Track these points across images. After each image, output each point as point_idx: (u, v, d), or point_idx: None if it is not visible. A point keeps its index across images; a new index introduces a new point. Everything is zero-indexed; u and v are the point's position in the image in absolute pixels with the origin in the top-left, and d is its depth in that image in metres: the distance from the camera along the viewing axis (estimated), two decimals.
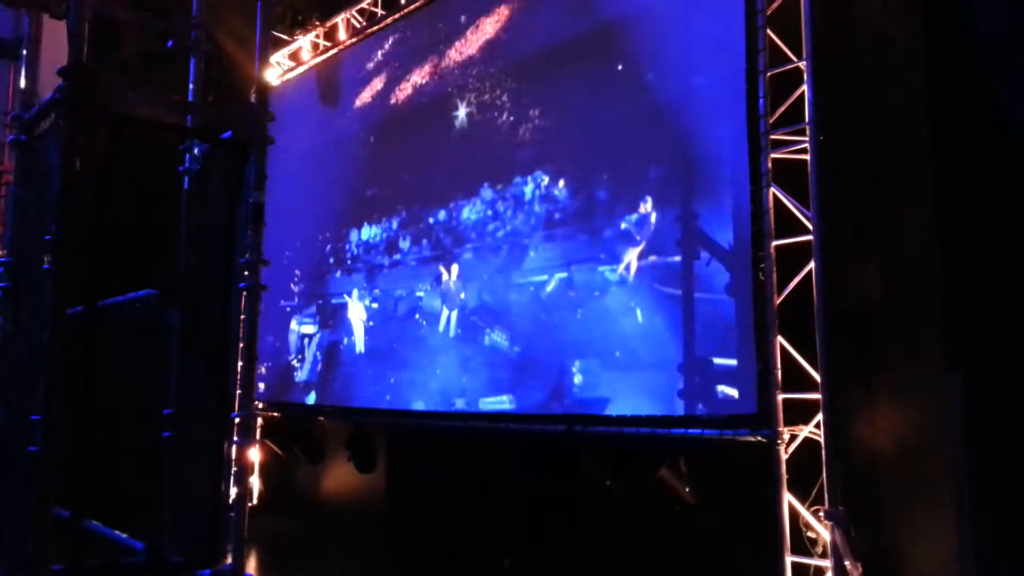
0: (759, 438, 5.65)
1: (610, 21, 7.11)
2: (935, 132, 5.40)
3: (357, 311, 9.59)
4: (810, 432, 5.58)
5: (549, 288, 7.36)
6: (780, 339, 5.68)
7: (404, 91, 9.27)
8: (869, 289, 5.71)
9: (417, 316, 8.73)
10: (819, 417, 5.50)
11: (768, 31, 5.96)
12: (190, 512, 5.54)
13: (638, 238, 6.69)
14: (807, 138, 5.71)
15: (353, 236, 9.82)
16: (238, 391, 5.55)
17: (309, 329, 10.24)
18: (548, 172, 7.53)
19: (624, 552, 6.66)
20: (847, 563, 5.24)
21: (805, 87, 5.77)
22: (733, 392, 5.91)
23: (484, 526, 7.79)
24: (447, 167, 8.65)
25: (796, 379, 5.62)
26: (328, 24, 10.50)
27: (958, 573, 5.07)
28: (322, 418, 9.76)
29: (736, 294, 5.95)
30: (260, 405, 10.47)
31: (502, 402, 7.59)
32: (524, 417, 7.26)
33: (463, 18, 8.67)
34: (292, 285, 10.71)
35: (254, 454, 10.11)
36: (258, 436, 10.44)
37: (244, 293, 5.60)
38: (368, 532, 9.17)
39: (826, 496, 5.39)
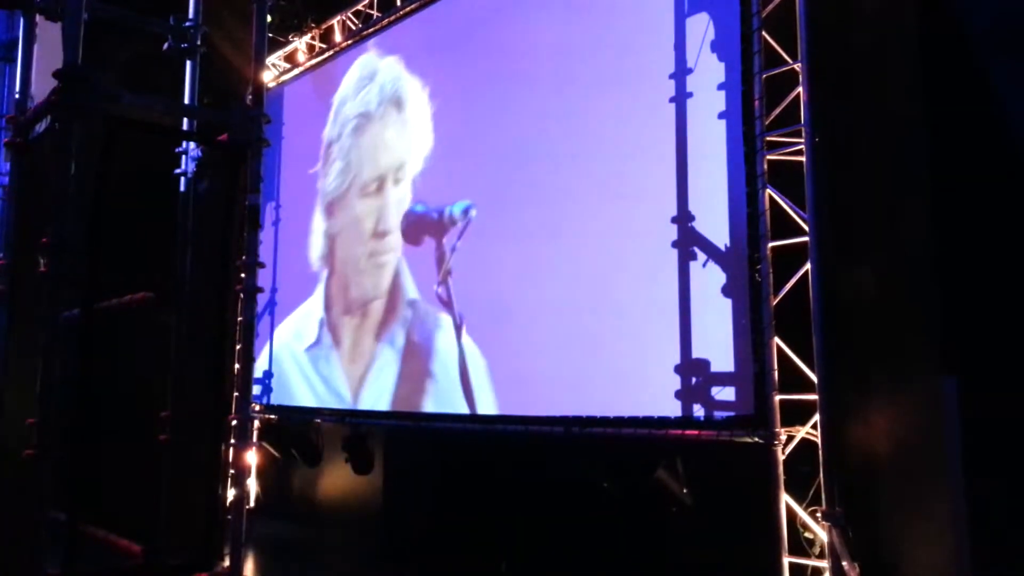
0: (756, 439, 5.66)
1: (605, 23, 7.10)
2: (932, 133, 5.40)
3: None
4: (807, 433, 5.59)
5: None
6: (777, 340, 5.69)
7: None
8: (865, 290, 5.72)
9: None
10: (816, 418, 5.51)
11: (763, 33, 5.97)
12: (187, 515, 5.53)
13: None
14: (803, 140, 5.72)
15: None
16: (235, 393, 5.56)
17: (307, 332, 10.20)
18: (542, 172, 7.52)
19: (621, 553, 6.65)
20: (844, 564, 5.24)
21: (801, 89, 5.78)
22: (730, 393, 5.92)
23: (481, 528, 7.78)
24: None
25: (793, 380, 5.62)
26: (323, 26, 10.50)
27: (955, 573, 5.08)
28: (319, 420, 9.74)
29: (733, 295, 5.95)
30: (257, 408, 10.46)
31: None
32: (521, 419, 7.25)
33: (458, 22, 8.67)
34: (283, 291, 10.69)
35: (251, 457, 10.09)
36: (255, 439, 10.43)
37: (240, 295, 5.61)
38: (366, 534, 9.16)
39: (823, 497, 5.40)
